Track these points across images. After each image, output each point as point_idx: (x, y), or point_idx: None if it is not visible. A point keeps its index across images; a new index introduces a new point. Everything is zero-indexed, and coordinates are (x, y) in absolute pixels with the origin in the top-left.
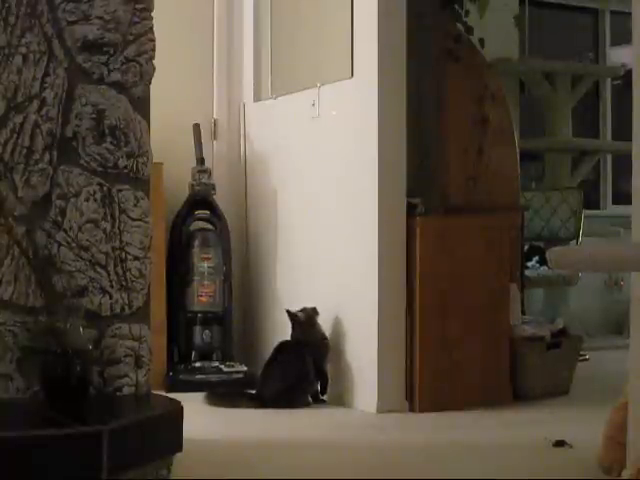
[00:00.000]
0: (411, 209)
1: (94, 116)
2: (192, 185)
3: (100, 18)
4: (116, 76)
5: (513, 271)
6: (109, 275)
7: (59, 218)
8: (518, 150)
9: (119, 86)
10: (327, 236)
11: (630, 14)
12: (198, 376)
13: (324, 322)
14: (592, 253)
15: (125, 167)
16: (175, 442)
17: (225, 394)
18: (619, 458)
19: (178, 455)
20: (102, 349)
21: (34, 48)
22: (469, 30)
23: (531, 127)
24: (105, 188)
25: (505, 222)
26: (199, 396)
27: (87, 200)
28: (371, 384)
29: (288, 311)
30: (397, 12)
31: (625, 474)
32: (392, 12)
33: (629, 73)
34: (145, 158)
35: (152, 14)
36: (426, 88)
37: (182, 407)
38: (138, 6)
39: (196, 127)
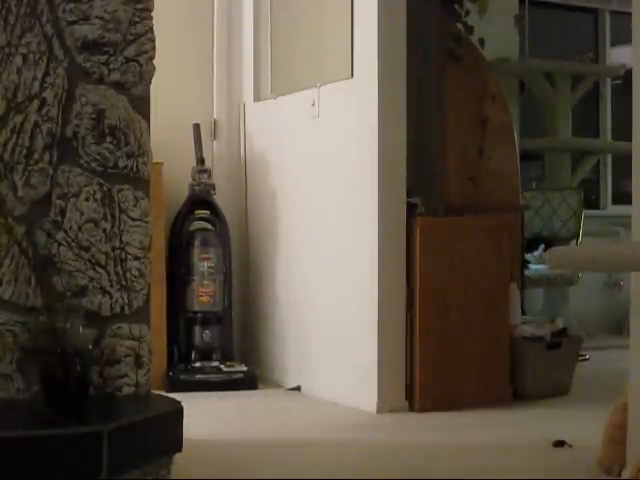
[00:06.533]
0: (411, 209)
1: (94, 116)
2: (192, 185)
3: (100, 18)
4: (116, 76)
5: (513, 271)
6: (109, 275)
7: (59, 218)
8: (518, 150)
9: (119, 86)
10: (327, 236)
11: (630, 14)
12: (198, 376)
13: (324, 322)
14: (592, 253)
15: (125, 167)
16: (175, 442)
17: None
18: (619, 458)
19: (178, 455)
20: (102, 349)
21: (34, 48)
22: (469, 30)
23: (531, 127)
24: (105, 188)
25: (505, 222)
26: (199, 396)
27: (87, 200)
28: (371, 384)
29: None
30: (397, 12)
31: (625, 474)
32: (392, 12)
33: (629, 73)
34: (145, 158)
35: (152, 14)
36: (426, 88)
37: (182, 407)
38: (138, 6)
39: (196, 127)
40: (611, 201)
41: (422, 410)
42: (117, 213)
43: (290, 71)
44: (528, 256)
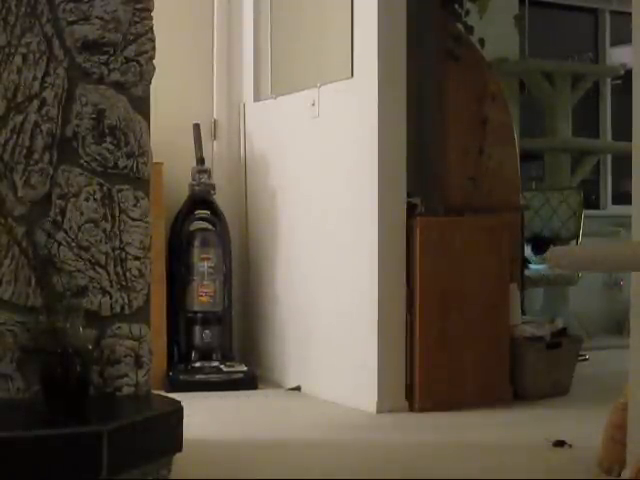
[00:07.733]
0: (411, 209)
1: (94, 116)
2: (192, 185)
3: (100, 18)
4: (116, 76)
5: (513, 271)
6: (109, 275)
7: (59, 218)
8: (518, 150)
9: (119, 86)
10: (327, 236)
11: (630, 14)
12: (198, 376)
13: (324, 322)
14: (592, 253)
15: (125, 167)
16: (175, 442)
17: None
18: (619, 458)
19: (178, 455)
20: (102, 349)
21: (34, 48)
22: (469, 30)
23: (531, 127)
24: (105, 188)
25: (505, 222)
26: (199, 396)
27: (87, 200)
28: (371, 384)
29: None
30: (397, 12)
31: (625, 474)
32: (392, 12)
33: (629, 73)
34: (145, 158)
35: (152, 14)
36: (426, 88)
37: (182, 407)
38: (138, 6)
39: (196, 127)
40: (611, 201)
41: (422, 410)
42: (117, 213)
43: (290, 71)
44: (535, 258)
